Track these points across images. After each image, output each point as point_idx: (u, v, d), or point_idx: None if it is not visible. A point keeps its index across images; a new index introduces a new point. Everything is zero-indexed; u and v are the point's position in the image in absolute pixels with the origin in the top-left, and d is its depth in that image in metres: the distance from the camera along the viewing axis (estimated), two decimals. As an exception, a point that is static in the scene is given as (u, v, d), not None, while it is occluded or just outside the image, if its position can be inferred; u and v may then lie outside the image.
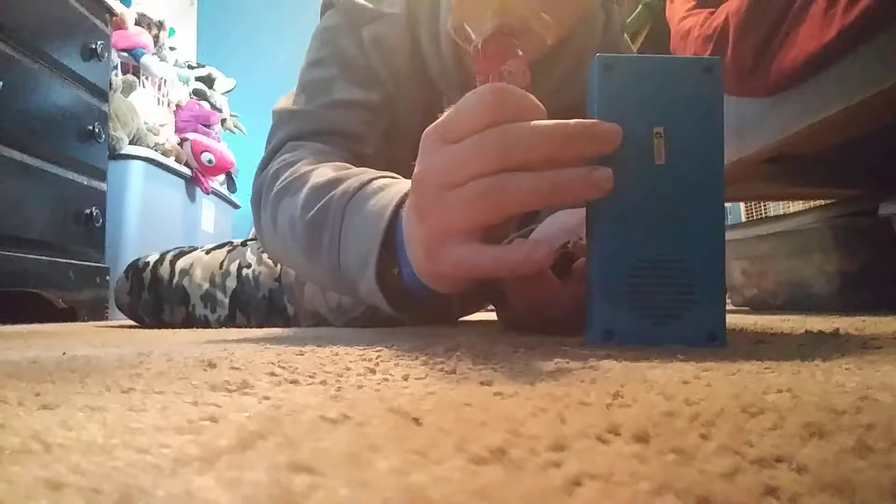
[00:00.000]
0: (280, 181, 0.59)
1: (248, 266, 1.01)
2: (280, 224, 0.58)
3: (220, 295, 1.00)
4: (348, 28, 0.70)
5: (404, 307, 0.49)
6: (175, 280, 1.01)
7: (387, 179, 0.50)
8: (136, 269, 1.05)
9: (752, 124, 1.32)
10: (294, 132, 0.67)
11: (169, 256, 1.05)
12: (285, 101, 0.73)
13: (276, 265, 1.01)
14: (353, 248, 0.49)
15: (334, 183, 0.52)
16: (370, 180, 0.50)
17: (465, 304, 0.89)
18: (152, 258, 1.05)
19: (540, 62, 0.64)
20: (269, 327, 1.01)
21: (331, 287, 0.61)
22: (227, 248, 1.06)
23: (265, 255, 1.02)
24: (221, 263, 1.02)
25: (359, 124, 0.68)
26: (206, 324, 1.01)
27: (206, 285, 1.00)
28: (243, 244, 1.07)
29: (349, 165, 0.58)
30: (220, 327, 1.00)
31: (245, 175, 2.80)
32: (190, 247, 1.10)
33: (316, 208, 0.52)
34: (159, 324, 1.03)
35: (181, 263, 1.03)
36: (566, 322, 0.49)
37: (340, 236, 0.50)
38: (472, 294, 0.63)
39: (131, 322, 1.14)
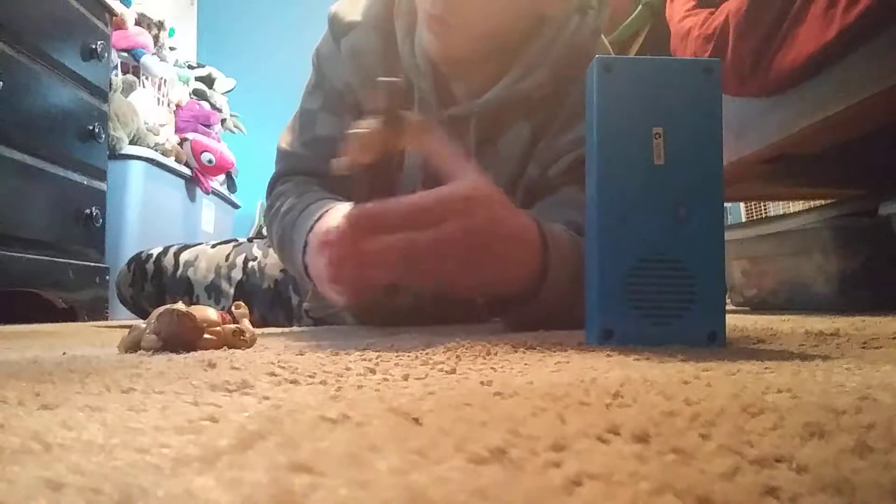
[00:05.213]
0: (273, 209, 0.84)
1: (254, 259, 1.04)
2: (273, 235, 0.84)
3: (225, 285, 1.02)
4: (333, 42, 0.83)
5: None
6: (179, 271, 1.03)
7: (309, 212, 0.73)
8: (139, 260, 1.06)
9: (752, 124, 1.32)
10: (286, 169, 0.88)
11: (173, 249, 1.07)
12: (286, 132, 0.90)
13: None
14: (294, 254, 0.74)
15: (289, 213, 0.78)
16: (302, 210, 0.75)
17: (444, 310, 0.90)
18: (155, 250, 1.07)
19: (492, 61, 0.75)
20: (271, 319, 1.02)
21: (292, 271, 0.88)
22: (232, 244, 1.08)
23: (271, 249, 1.06)
24: (227, 256, 1.05)
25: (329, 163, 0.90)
26: None
27: (211, 276, 1.03)
28: (249, 241, 1.09)
29: (308, 195, 0.80)
30: None
31: (245, 175, 2.80)
32: (194, 243, 1.11)
33: (281, 231, 0.79)
34: None
35: (185, 256, 1.05)
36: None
37: (288, 247, 0.76)
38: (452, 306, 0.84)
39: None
